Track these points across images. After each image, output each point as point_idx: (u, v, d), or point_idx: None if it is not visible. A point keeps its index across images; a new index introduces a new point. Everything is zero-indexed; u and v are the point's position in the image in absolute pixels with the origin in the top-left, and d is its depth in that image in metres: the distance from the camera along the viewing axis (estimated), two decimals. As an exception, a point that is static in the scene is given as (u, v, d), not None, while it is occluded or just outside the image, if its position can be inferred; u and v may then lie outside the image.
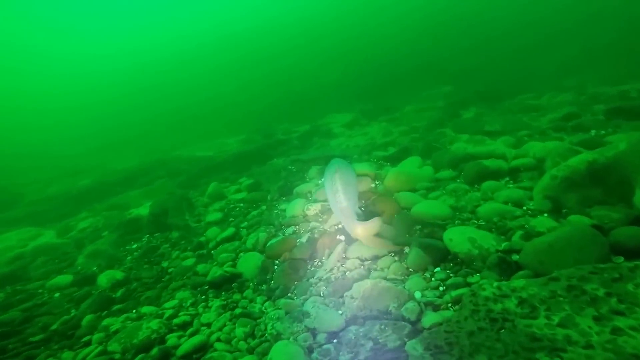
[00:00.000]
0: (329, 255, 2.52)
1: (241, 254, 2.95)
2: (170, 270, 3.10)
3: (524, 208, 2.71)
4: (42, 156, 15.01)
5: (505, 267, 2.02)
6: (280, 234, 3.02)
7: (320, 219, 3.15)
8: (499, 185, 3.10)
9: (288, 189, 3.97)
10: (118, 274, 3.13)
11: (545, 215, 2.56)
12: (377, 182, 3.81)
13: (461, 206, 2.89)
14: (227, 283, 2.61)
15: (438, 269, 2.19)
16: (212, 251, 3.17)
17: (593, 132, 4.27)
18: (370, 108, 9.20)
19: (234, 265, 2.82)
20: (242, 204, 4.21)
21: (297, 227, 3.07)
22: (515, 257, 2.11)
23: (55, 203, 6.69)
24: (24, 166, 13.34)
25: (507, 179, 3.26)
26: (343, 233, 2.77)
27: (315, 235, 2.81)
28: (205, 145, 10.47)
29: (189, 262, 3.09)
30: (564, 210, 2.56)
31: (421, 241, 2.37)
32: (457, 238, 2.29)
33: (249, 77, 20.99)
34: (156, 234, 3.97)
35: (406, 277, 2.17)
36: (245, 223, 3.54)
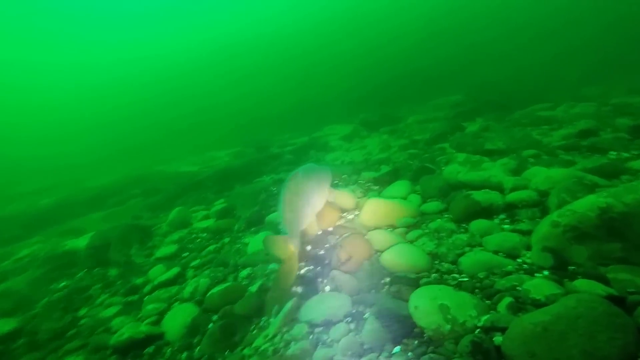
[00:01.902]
0: (277, 314, 2.13)
1: (175, 304, 2.52)
2: (83, 321, 2.67)
3: (519, 261, 2.21)
4: (16, 171, 14.88)
5: (482, 357, 1.55)
6: (231, 279, 2.64)
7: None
8: (490, 225, 2.60)
9: (260, 218, 3.59)
10: (9, 324, 2.66)
11: (545, 273, 2.05)
12: (356, 212, 3.38)
13: (442, 253, 2.41)
14: (138, 348, 2.15)
15: (398, 348, 1.74)
16: (146, 297, 2.75)
17: (613, 154, 3.64)
18: (373, 118, 8.72)
19: (158, 322, 2.37)
20: (204, 235, 3.81)
21: (254, 269, 2.68)
22: (498, 338, 1.63)
23: (6, 224, 6.17)
24: None
25: (503, 216, 2.75)
26: (302, 283, 2.37)
27: (270, 283, 2.42)
28: (194, 159, 10.10)
29: (110, 311, 2.66)
30: (571, 268, 2.04)
31: (381, 307, 1.93)
32: (426, 305, 1.83)
33: (254, 85, 20.91)
34: (95, 270, 3.59)
35: (358, 358, 1.74)
36: (197, 261, 3.13)
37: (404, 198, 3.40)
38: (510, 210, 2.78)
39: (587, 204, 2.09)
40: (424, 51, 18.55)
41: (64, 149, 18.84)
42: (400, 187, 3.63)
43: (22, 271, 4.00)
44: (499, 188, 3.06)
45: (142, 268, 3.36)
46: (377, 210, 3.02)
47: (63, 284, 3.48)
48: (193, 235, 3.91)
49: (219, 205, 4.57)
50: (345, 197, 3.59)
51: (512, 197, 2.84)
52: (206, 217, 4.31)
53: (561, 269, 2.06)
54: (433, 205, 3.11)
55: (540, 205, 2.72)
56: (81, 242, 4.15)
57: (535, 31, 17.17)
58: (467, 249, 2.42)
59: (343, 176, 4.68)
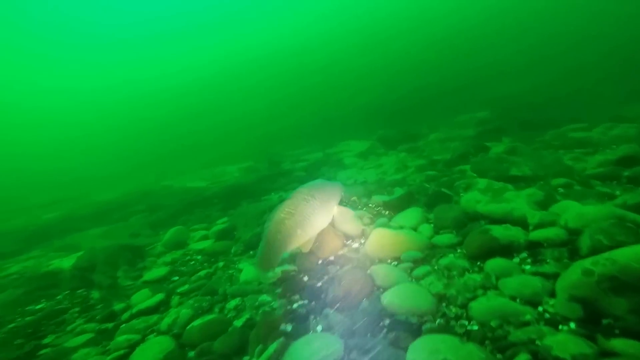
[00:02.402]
0: (259, 355, 1.97)
1: (150, 336, 2.33)
2: (43, 351, 2.42)
3: (539, 309, 1.94)
4: (31, 184, 15.40)
5: None
6: (217, 309, 2.49)
7: (278, 291, 2.61)
8: (509, 266, 2.32)
9: (260, 240, 3.47)
10: (-39, 351, 2.46)
11: (572, 326, 1.77)
12: (362, 241, 3.19)
13: (450, 295, 2.17)
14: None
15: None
16: (123, 325, 2.57)
17: (661, 187, 3.23)
18: (391, 134, 8.52)
19: (126, 356, 2.16)
20: (199, 257, 3.68)
21: (244, 299, 2.55)
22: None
23: (8, 238, 6.18)
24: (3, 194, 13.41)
25: (524, 255, 2.45)
26: (293, 319, 2.21)
27: (258, 318, 2.27)
28: (204, 173, 10.01)
29: (78, 340, 2.44)
30: (606, 322, 1.74)
31: (375, 356, 1.73)
32: (424, 362, 1.61)
33: (272, 99, 21.33)
34: (79, 291, 3.48)
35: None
36: (186, 287, 2.98)
37: (415, 228, 3.17)
38: (534, 249, 2.48)
39: (632, 255, 1.79)
40: (450, 63, 18.19)
41: (80, 162, 19.73)
42: (412, 214, 3.40)
43: (1, 290, 3.85)
44: (523, 223, 2.76)
45: (127, 291, 3.23)
46: (383, 241, 2.82)
47: (41, 305, 3.35)
48: (187, 257, 3.79)
49: (220, 225, 4.47)
50: (351, 223, 3.42)
51: (537, 234, 2.55)
52: (205, 238, 4.22)
53: (593, 322, 1.76)
54: (446, 238, 2.86)
55: (569, 245, 2.42)
56: (68, 262, 4.04)
57: (570, 41, 16.33)
58: (479, 291, 2.16)
59: (352, 198, 4.50)
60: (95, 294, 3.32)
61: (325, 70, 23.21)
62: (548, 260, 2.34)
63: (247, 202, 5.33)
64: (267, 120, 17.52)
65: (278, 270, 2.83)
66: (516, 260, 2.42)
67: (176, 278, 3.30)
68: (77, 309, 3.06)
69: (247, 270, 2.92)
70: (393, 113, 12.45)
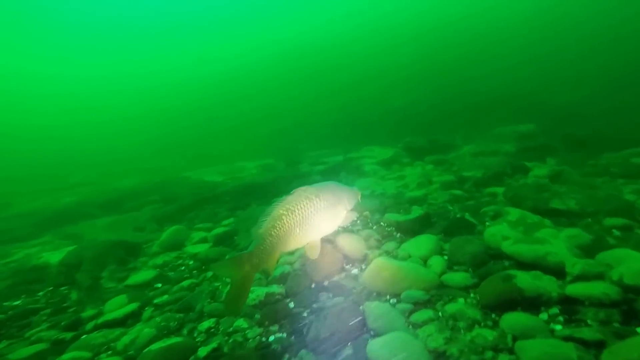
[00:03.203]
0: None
1: (102, 356, 2.14)
2: None
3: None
4: (66, 165, 16.18)
5: None
6: (185, 331, 2.29)
7: (258, 317, 2.37)
8: (533, 323, 1.91)
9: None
10: None
11: None
12: (363, 267, 2.88)
13: (451, 355, 1.81)
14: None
15: None
16: (83, 336, 2.41)
17: None
18: (419, 143, 7.99)
19: None
20: (191, 262, 3.53)
21: (219, 321, 2.35)
22: None
23: (23, 221, 6.38)
24: (31, 174, 13.94)
25: (555, 311, 2.02)
26: (264, 355, 1.97)
27: (226, 348, 2.05)
28: (223, 167, 10.00)
29: (26, 352, 2.24)
30: None
31: None
32: None
33: (301, 95, 21.16)
34: (62, 289, 3.40)
35: None
36: (165, 297, 2.80)
37: (425, 259, 2.80)
38: (569, 305, 2.03)
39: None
40: (497, 68, 16.89)
41: (116, 145, 20.79)
42: (425, 242, 3.01)
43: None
44: (558, 271, 2.29)
45: (106, 295, 3.08)
46: (383, 274, 2.49)
47: (18, 302, 3.27)
48: (179, 262, 3.67)
49: (223, 227, 4.36)
50: (355, 244, 3.12)
51: (576, 288, 2.08)
52: (203, 241, 4.12)
53: None
54: (459, 277, 2.47)
55: (622, 306, 1.93)
56: (59, 256, 3.92)
57: (632, 47, 14.45)
58: (489, 354, 1.78)
59: (365, 213, 4.18)
60: (74, 295, 3.25)
61: (362, 66, 22.62)
62: (589, 322, 1.89)
63: (257, 203, 5.22)
64: (297, 109, 17.44)
65: (262, 293, 2.59)
66: (543, 316, 1.99)
67: (159, 285, 3.19)
68: (49, 310, 3.00)
69: (231, 287, 2.71)
70: (427, 120, 11.75)
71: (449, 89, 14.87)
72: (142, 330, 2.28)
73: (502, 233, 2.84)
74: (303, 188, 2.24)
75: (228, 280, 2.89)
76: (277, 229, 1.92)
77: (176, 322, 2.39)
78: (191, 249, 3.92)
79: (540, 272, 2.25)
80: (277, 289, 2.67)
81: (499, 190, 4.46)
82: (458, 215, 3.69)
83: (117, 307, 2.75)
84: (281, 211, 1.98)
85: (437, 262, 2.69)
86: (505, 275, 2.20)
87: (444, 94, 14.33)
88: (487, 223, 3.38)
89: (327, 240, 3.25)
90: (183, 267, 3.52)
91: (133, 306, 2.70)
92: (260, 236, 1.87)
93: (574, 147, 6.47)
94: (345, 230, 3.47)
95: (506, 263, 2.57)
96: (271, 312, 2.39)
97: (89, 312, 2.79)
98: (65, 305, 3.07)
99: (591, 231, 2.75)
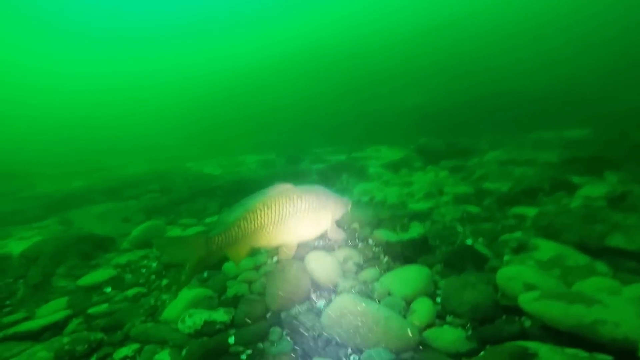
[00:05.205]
0: None
1: None
2: None
3: None
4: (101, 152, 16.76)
5: None
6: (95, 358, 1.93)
7: (184, 353, 1.87)
8: None
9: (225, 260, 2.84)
10: None
11: None
12: (331, 299, 2.30)
13: None
14: None
15: None
16: None
17: None
18: (435, 146, 7.18)
19: None
20: (154, 264, 3.19)
21: (142, 349, 1.97)
22: None
23: (34, 203, 6.62)
24: (61, 160, 14.45)
25: None
26: None
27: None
28: (224, 160, 10.07)
29: None
30: None
31: None
32: None
33: (316, 91, 20.59)
34: (19, 282, 3.18)
35: None
36: (103, 307, 2.48)
37: (409, 301, 2.16)
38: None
39: None
40: (537, 60, 15.46)
41: (144, 133, 21.54)
42: (413, 277, 2.33)
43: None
44: (620, 352, 1.51)
45: (48, 296, 2.82)
46: (346, 319, 1.89)
47: None
48: (143, 262, 3.35)
49: (202, 226, 4.13)
50: (327, 267, 2.54)
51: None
52: None
53: None
54: (450, 336, 1.82)
55: None
56: (24, 246, 3.78)
57: None
58: None
59: (353, 225, 3.56)
60: (20, 292, 3.02)
61: (381, 60, 21.75)
62: None
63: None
64: (313, 105, 17.02)
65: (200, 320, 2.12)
66: None
67: (108, 290, 2.89)
68: (-17, 307, 2.78)
69: (175, 305, 2.31)
70: (449, 120, 10.77)
71: (478, 84, 13.68)
72: (35, 355, 1.91)
73: (524, 277, 2.05)
74: (285, 185, 2.22)
75: (178, 296, 2.44)
76: (247, 221, 1.95)
77: (87, 346, 2.01)
78: (161, 248, 3.64)
79: (583, 352, 1.51)
80: (222, 316, 2.21)
81: (530, 212, 3.61)
82: (467, 242, 2.99)
83: (48, 312, 2.51)
84: (257, 204, 2.02)
85: (423, 308, 2.04)
86: (520, 351, 1.54)
87: (470, 91, 13.16)
88: (505, 257, 2.66)
89: (298, 258, 2.74)
90: (143, 270, 3.18)
91: (62, 314, 2.42)
92: (227, 224, 1.90)
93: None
94: (318, 247, 2.90)
95: (526, 323, 1.87)
96: (201, 347, 1.93)
97: (17, 316, 2.54)
98: (8, 302, 2.86)
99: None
